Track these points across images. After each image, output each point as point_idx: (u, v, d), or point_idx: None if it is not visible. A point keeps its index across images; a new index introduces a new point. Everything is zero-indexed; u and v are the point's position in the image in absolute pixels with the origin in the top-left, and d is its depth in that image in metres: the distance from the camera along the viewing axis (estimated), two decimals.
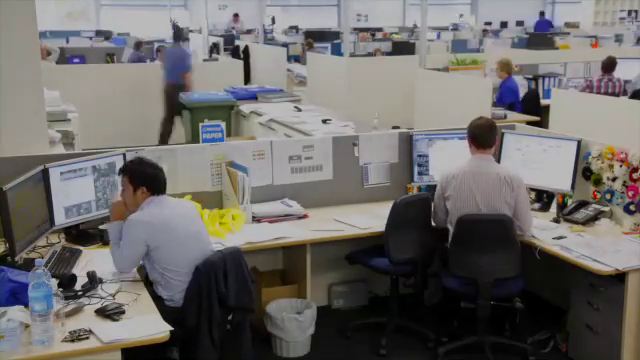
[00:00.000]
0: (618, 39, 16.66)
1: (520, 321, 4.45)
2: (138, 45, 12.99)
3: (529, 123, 6.50)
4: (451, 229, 4.21)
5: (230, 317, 3.61)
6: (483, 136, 4.23)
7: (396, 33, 20.18)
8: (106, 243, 4.03)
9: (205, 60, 12.99)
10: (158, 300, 3.47)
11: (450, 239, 4.19)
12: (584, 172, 4.67)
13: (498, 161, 4.82)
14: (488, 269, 4.05)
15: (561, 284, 4.57)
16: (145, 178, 3.61)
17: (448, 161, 4.80)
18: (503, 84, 8.56)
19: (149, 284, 3.60)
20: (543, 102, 8.53)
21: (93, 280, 3.39)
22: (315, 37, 15.94)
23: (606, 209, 4.49)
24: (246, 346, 3.74)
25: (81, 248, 3.93)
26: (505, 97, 8.49)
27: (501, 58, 8.82)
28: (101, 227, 4.13)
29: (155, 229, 3.50)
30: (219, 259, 3.52)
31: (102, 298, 3.28)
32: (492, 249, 4.04)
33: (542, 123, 7.13)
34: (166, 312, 3.30)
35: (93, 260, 3.78)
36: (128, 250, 3.55)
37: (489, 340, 4.22)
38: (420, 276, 4.37)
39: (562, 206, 4.64)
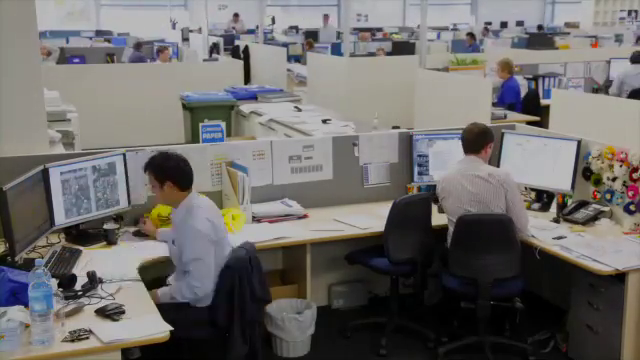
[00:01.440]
0: (618, 39, 16.67)
1: (520, 321, 4.45)
2: (138, 45, 13.00)
3: (529, 123, 6.50)
4: (451, 229, 4.22)
5: None
6: (470, 140, 4.29)
7: (396, 33, 20.18)
8: (110, 243, 4.05)
9: (205, 60, 12.99)
10: (180, 306, 3.48)
11: (450, 239, 4.20)
12: (584, 172, 4.67)
13: (498, 161, 4.83)
14: (488, 269, 4.06)
15: (561, 284, 4.57)
16: (169, 172, 3.61)
17: (448, 161, 4.81)
18: (505, 84, 8.57)
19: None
20: (543, 102, 8.53)
21: (93, 280, 3.39)
22: (315, 37, 15.94)
23: (606, 209, 4.49)
24: (259, 339, 3.77)
25: (81, 248, 3.93)
26: (507, 97, 8.50)
27: (502, 58, 8.82)
28: (105, 227, 4.14)
29: (213, 225, 3.55)
30: (245, 254, 3.55)
31: (102, 298, 3.28)
32: (492, 249, 4.05)
33: (542, 123, 7.13)
34: (193, 315, 3.40)
35: (93, 260, 3.78)
36: (207, 260, 3.50)
37: (489, 340, 4.22)
38: (420, 276, 4.37)
39: (562, 206, 4.64)
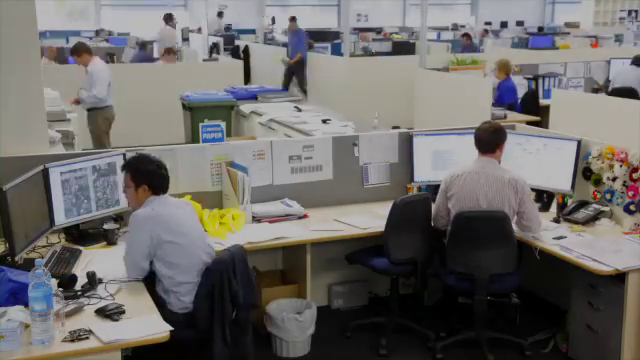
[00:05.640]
0: (618, 39, 16.67)
1: (517, 316, 4.45)
2: (143, 45, 13.01)
3: (529, 123, 6.50)
4: (449, 226, 4.22)
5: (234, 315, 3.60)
6: (483, 140, 4.28)
7: (396, 33, 20.18)
8: (110, 243, 4.05)
9: (205, 60, 12.99)
10: (167, 311, 3.43)
11: (447, 236, 4.21)
12: (584, 172, 4.67)
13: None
14: (484, 265, 4.08)
15: (561, 284, 4.57)
16: (147, 176, 3.59)
17: (448, 161, 4.81)
18: (501, 84, 8.57)
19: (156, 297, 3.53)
20: (543, 102, 8.53)
21: (93, 280, 3.39)
22: (315, 37, 15.94)
23: (606, 209, 4.49)
24: (250, 344, 3.74)
25: (81, 248, 3.93)
26: (505, 97, 8.50)
27: (500, 59, 8.83)
28: (105, 227, 4.13)
29: (161, 223, 3.47)
30: (228, 257, 3.51)
31: (102, 298, 3.28)
32: (488, 245, 4.07)
33: (542, 123, 7.13)
34: (180, 320, 3.33)
35: (93, 260, 3.78)
36: (134, 248, 3.51)
37: (486, 335, 4.24)
38: (420, 276, 4.37)
39: (562, 206, 4.64)
